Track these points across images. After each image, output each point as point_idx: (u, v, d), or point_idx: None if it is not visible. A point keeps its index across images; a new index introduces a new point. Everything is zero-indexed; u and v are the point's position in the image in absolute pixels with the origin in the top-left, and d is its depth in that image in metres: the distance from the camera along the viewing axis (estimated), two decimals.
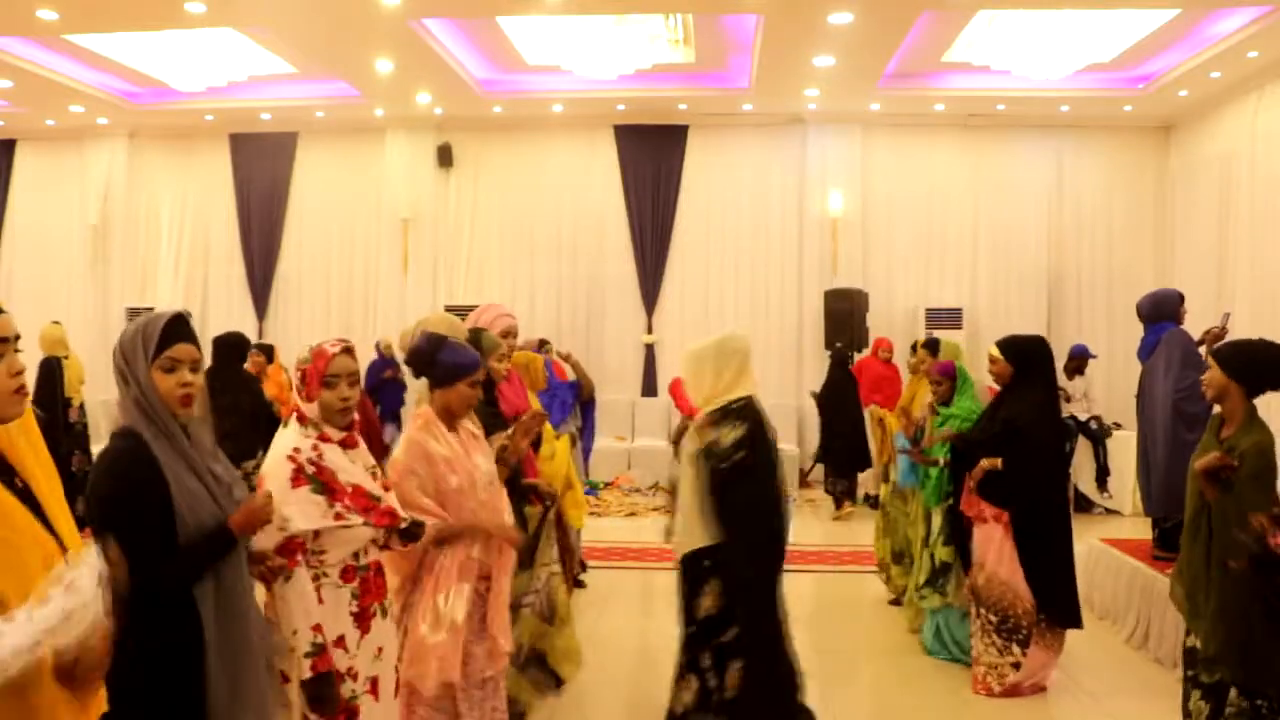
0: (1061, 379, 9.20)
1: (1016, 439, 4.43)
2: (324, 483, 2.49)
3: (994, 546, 4.49)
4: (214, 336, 6.61)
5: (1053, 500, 4.54)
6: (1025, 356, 4.59)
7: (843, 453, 9.09)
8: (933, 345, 5.99)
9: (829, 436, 9.21)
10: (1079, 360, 9.38)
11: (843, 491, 9.23)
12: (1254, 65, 8.71)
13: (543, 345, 6.79)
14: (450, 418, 3.05)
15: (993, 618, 4.49)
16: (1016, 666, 4.46)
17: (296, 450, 2.50)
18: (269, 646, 2.35)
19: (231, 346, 6.52)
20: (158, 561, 2.04)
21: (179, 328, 2.20)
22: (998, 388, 4.79)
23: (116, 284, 11.70)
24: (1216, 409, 3.20)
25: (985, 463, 4.52)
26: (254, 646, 2.23)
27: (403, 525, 2.65)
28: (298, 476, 2.47)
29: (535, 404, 4.53)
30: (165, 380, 2.16)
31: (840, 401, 9.04)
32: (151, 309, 5.30)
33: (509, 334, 4.09)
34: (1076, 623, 4.51)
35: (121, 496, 2.06)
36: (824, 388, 9.36)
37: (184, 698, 2.07)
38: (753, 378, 3.56)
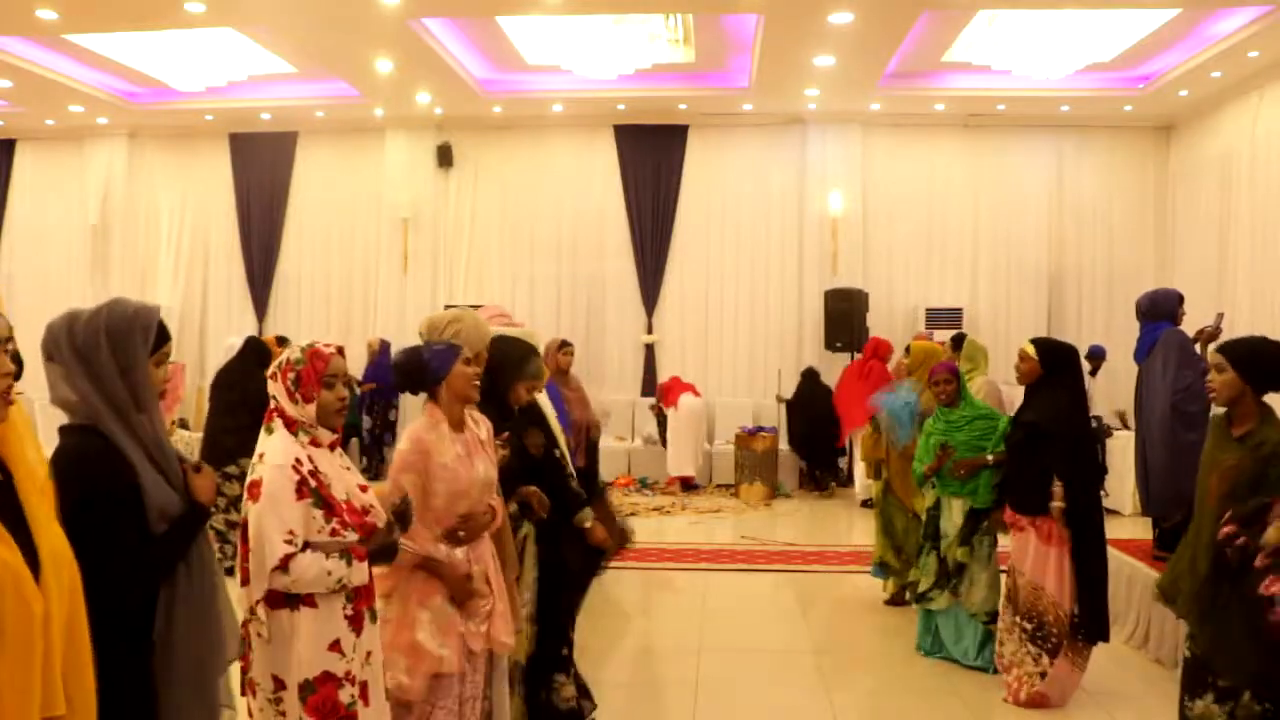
0: (1086, 381, 9.20)
1: (1042, 442, 4.34)
2: (324, 497, 2.45)
3: (1029, 554, 4.40)
4: (248, 336, 7.47)
5: (1092, 505, 4.42)
6: (1057, 360, 4.50)
7: (812, 442, 9.93)
8: (958, 340, 5.76)
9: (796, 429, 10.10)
10: (1097, 361, 9.37)
11: (810, 473, 10.02)
12: (1254, 65, 8.71)
13: (564, 346, 6.61)
14: (462, 406, 3.01)
15: (1028, 625, 4.41)
16: (1043, 675, 4.39)
17: (299, 461, 2.44)
18: (232, 626, 2.34)
19: (255, 350, 6.84)
20: (136, 560, 2.05)
21: (161, 323, 2.26)
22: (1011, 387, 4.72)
23: (116, 284, 11.68)
24: (1215, 410, 3.18)
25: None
26: (220, 606, 2.25)
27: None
28: (301, 489, 2.42)
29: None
30: (155, 374, 2.22)
31: (809, 401, 9.91)
32: None
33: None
34: (1105, 636, 4.43)
35: (98, 499, 2.03)
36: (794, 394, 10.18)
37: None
38: None
